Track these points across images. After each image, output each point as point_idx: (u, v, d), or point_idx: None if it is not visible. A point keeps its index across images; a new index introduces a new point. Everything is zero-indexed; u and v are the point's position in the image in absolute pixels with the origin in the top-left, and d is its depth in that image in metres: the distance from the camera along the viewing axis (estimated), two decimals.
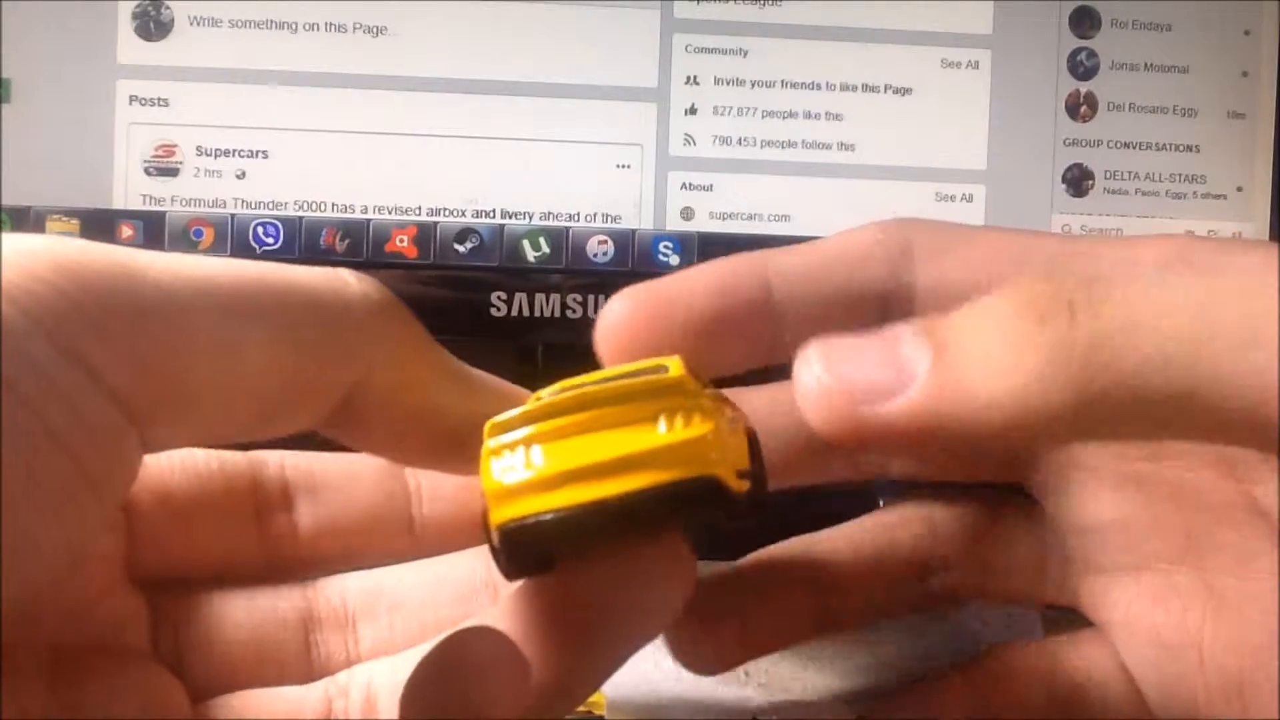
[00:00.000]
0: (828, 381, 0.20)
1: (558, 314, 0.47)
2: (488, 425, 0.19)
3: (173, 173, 0.46)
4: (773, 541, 0.29)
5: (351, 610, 0.23)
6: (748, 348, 0.24)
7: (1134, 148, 0.50)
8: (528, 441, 0.18)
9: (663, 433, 0.17)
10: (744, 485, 0.18)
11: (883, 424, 0.19)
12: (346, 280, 0.21)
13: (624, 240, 0.48)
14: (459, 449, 0.21)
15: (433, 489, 0.24)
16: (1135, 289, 0.18)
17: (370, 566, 0.24)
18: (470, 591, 0.24)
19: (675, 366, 0.19)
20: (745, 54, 0.48)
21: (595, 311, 0.48)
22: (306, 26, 0.46)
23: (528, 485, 0.17)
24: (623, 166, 0.48)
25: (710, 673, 0.28)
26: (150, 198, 0.46)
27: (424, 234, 0.47)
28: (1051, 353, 0.17)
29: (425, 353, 0.22)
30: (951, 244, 0.25)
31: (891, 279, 0.24)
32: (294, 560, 0.23)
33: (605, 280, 0.48)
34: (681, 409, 0.17)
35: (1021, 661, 0.27)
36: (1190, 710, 0.24)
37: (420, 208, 0.47)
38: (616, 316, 0.25)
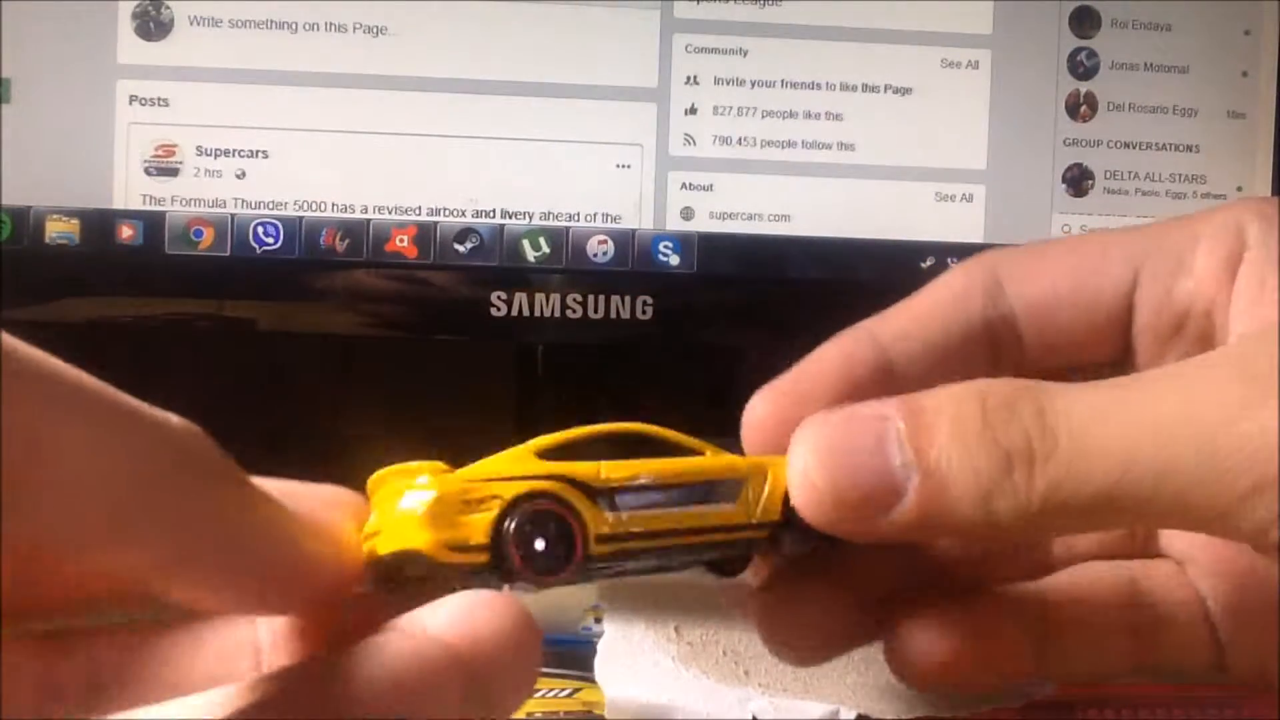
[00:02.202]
0: (822, 488, 0.22)
1: (558, 314, 0.47)
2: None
3: (173, 173, 0.46)
4: None
5: None
6: None
7: (1134, 148, 0.50)
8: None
9: (398, 510, 0.21)
10: (454, 557, 0.21)
11: (873, 533, 0.22)
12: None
13: (624, 240, 0.48)
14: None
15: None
16: (1085, 425, 0.21)
17: None
18: None
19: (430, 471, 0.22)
20: (745, 54, 0.48)
21: (595, 311, 0.48)
22: (306, 26, 0.46)
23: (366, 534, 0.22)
24: (623, 166, 0.48)
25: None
26: (150, 198, 0.46)
27: (424, 234, 0.47)
28: (1015, 499, 0.21)
29: None
30: (1033, 265, 0.26)
31: (991, 309, 0.26)
32: None
33: (605, 280, 0.48)
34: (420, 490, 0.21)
35: (1098, 578, 0.27)
36: (1260, 643, 0.25)
37: (420, 208, 0.47)
38: (757, 417, 0.26)
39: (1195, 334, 0.26)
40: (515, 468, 0.22)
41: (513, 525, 0.21)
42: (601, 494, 0.22)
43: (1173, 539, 0.27)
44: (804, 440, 0.23)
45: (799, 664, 0.29)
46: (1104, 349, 0.26)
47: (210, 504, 0.17)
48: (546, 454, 0.23)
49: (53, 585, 0.19)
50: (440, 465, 0.22)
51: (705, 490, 0.23)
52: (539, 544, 0.22)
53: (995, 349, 0.26)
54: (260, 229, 0.46)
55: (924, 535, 0.23)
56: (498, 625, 0.19)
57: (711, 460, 0.24)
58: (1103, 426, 0.21)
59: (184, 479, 0.17)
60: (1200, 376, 0.22)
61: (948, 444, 0.22)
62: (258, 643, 0.22)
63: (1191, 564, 0.27)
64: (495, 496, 0.21)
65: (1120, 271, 0.26)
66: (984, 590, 0.25)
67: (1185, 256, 0.26)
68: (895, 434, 0.22)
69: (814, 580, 0.26)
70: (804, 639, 0.26)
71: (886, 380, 0.26)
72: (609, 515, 0.22)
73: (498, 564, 0.21)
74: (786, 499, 0.24)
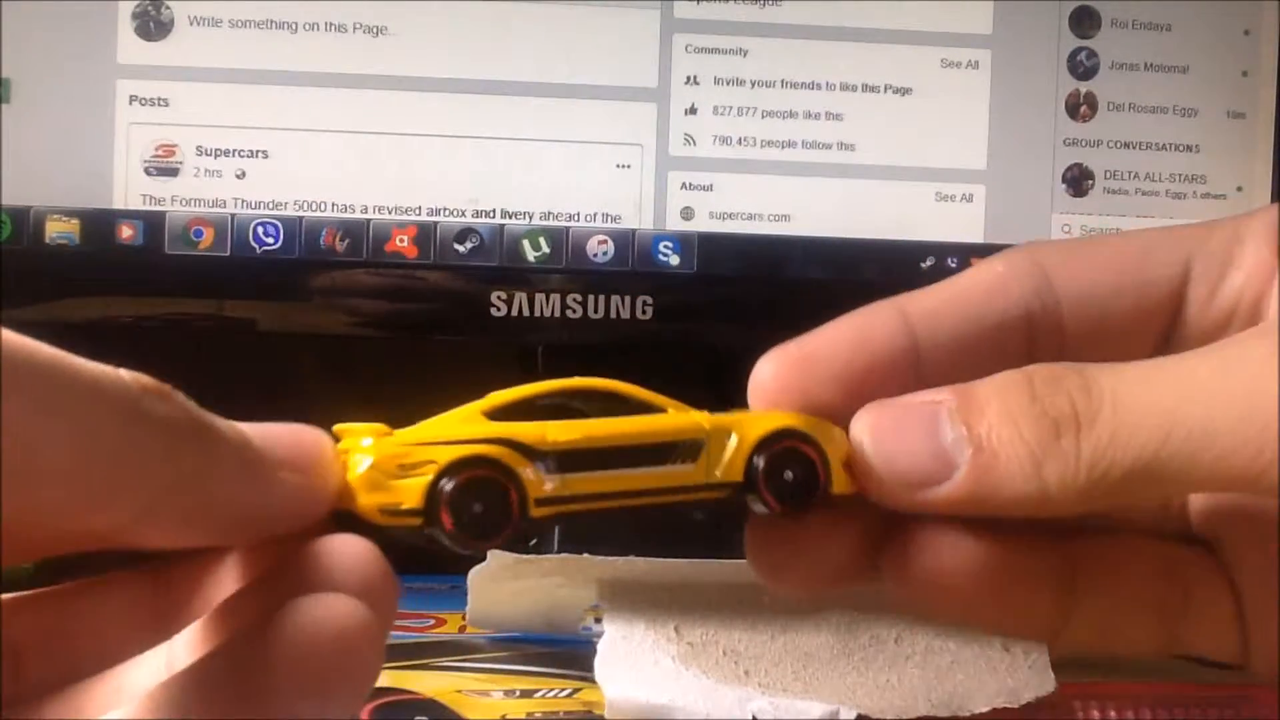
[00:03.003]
0: (879, 465, 0.23)
1: (558, 314, 0.47)
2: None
3: (173, 173, 0.46)
4: None
5: None
6: (894, 392, 0.25)
7: (1134, 148, 0.50)
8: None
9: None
10: (390, 520, 0.21)
11: (928, 505, 0.23)
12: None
13: (624, 240, 0.48)
14: None
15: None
16: (1127, 395, 0.22)
17: None
18: None
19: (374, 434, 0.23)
20: (745, 54, 0.48)
21: (595, 311, 0.48)
22: (306, 26, 0.46)
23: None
24: (623, 166, 0.48)
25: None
26: (150, 198, 0.46)
27: (424, 234, 0.47)
28: (1063, 467, 0.22)
29: None
30: (1081, 257, 0.27)
31: (1035, 299, 0.26)
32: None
33: (605, 280, 0.48)
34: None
35: (1131, 548, 0.27)
36: None
37: (420, 208, 0.47)
38: (763, 377, 0.25)
39: (1242, 327, 0.26)
40: (459, 429, 0.22)
41: (445, 491, 0.21)
42: (545, 456, 0.22)
43: (1207, 521, 0.27)
44: (859, 423, 0.24)
45: (790, 593, 0.28)
46: (1147, 345, 0.27)
47: (168, 457, 0.17)
48: (497, 413, 0.23)
49: (18, 551, 0.19)
50: (381, 427, 0.22)
51: (660, 450, 0.23)
52: (476, 508, 0.22)
53: (1032, 339, 0.26)
54: (260, 229, 0.46)
55: (975, 509, 0.23)
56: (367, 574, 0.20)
57: (669, 419, 0.23)
58: (1146, 393, 0.22)
59: (138, 435, 0.17)
60: (1237, 347, 0.23)
61: (997, 420, 0.22)
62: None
63: (1225, 548, 0.26)
64: (431, 461, 0.21)
65: (1168, 267, 0.26)
66: (1011, 531, 0.25)
67: (1233, 251, 0.26)
68: (947, 413, 0.23)
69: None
70: (797, 563, 0.25)
71: (908, 358, 0.25)
72: (551, 478, 0.22)
73: (431, 528, 0.21)
74: (750, 460, 0.23)
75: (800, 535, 0.25)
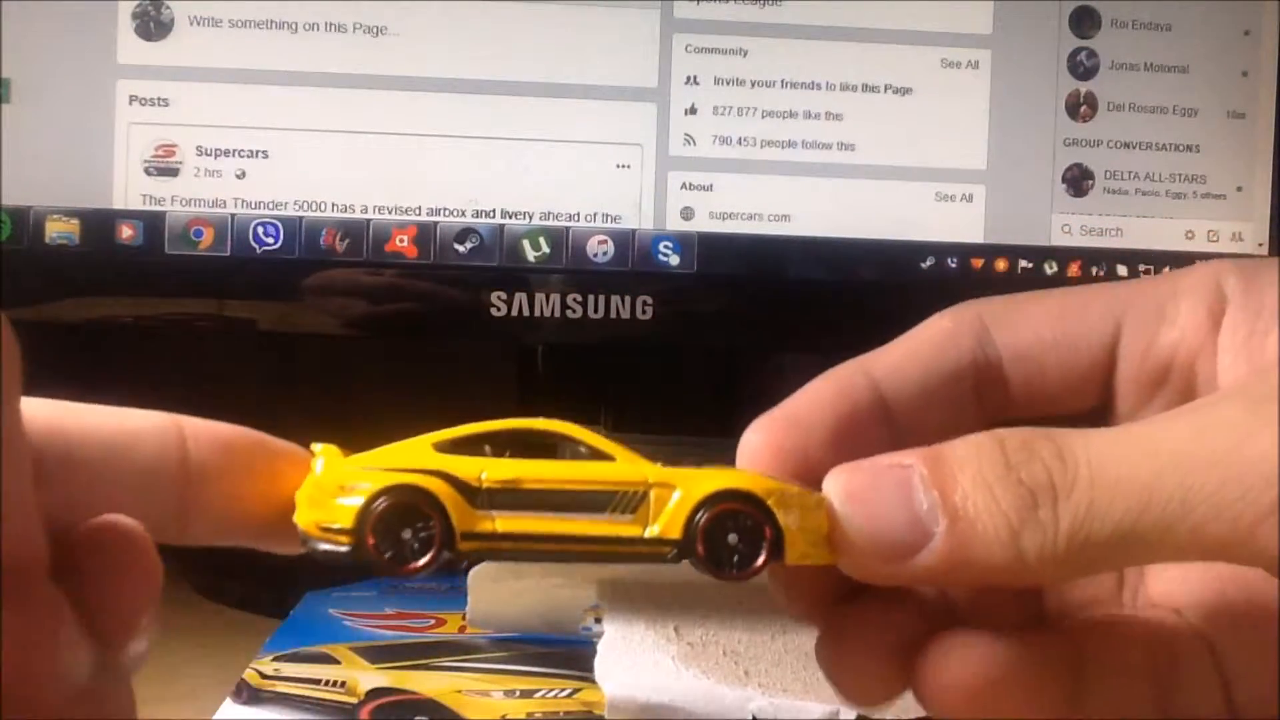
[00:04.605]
0: (853, 533, 0.23)
1: (558, 314, 0.47)
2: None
3: (173, 173, 0.46)
4: None
5: None
6: (871, 446, 0.25)
7: (1134, 148, 0.50)
8: None
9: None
10: (325, 537, 0.22)
11: (903, 576, 0.23)
12: None
13: (624, 240, 0.48)
14: None
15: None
16: (1102, 464, 0.22)
17: None
18: None
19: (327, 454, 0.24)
20: (745, 54, 0.48)
21: (595, 311, 0.48)
22: (306, 26, 0.46)
23: None
24: (623, 166, 0.48)
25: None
26: (150, 198, 0.46)
27: (424, 234, 0.47)
28: (1042, 537, 0.22)
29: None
30: (1019, 311, 0.28)
31: (978, 350, 0.27)
32: None
33: (605, 280, 0.48)
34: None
35: (1116, 623, 0.27)
36: (1267, 678, 0.25)
37: (420, 208, 0.47)
38: (752, 448, 0.26)
39: (1179, 384, 0.27)
40: (404, 459, 0.23)
41: (374, 515, 0.22)
42: (478, 493, 0.23)
43: (1166, 588, 0.27)
44: (830, 489, 0.23)
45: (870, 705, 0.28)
46: (1086, 398, 0.27)
47: None
48: (446, 446, 0.23)
49: None
50: (334, 449, 0.23)
51: (598, 499, 0.23)
52: (404, 534, 0.22)
53: (981, 393, 0.27)
54: (260, 229, 0.46)
55: (950, 580, 0.24)
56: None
57: (612, 469, 0.23)
58: (1121, 461, 0.22)
59: None
60: (1210, 410, 0.22)
61: (971, 488, 0.22)
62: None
63: (1191, 610, 0.27)
64: (367, 485, 0.23)
65: (1103, 322, 0.27)
66: (1012, 628, 0.25)
67: (1167, 308, 0.27)
68: (919, 479, 0.23)
69: (857, 619, 0.26)
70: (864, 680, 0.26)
71: (881, 415, 0.26)
72: (481, 515, 0.23)
73: (357, 549, 0.22)
74: (690, 520, 0.23)
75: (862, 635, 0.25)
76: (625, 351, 0.51)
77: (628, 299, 0.48)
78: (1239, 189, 0.50)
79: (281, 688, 0.35)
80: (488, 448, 0.24)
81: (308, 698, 0.34)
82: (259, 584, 0.47)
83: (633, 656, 0.33)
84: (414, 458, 0.23)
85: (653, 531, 0.23)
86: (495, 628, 0.39)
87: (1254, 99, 0.50)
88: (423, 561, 0.22)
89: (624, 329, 0.48)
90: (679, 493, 0.23)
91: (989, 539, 0.22)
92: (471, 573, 0.38)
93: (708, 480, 0.23)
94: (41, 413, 0.21)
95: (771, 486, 0.23)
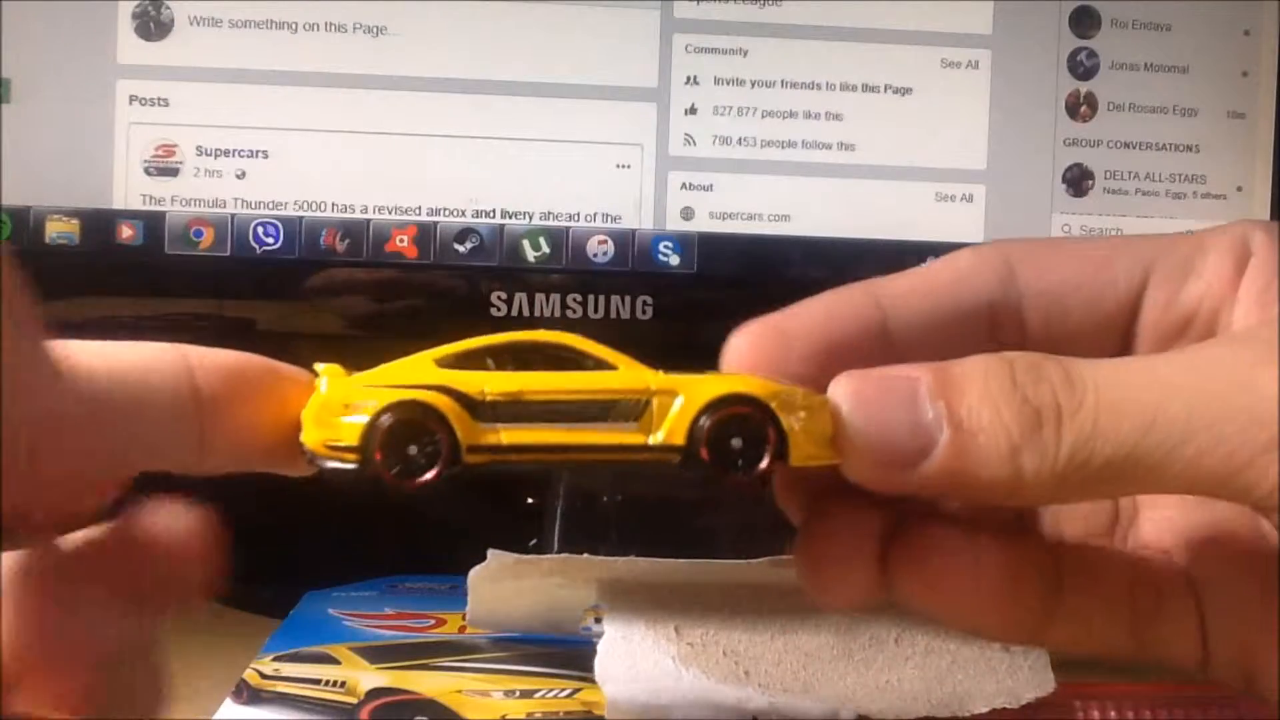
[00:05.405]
0: (858, 434, 0.23)
1: (558, 314, 0.47)
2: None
3: (173, 173, 0.46)
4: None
5: None
6: (864, 368, 0.25)
7: (1134, 147, 0.50)
8: None
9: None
10: (332, 455, 0.23)
11: (902, 482, 0.23)
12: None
13: (624, 240, 0.48)
14: None
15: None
16: (1109, 386, 0.22)
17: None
18: None
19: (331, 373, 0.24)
20: (745, 54, 0.48)
21: (595, 311, 0.48)
22: (306, 26, 0.46)
23: None
24: (623, 166, 0.48)
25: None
26: (150, 198, 0.46)
27: (424, 234, 0.47)
28: (1042, 453, 0.22)
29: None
30: (1046, 254, 0.28)
31: (999, 290, 0.27)
32: None
33: (605, 280, 0.48)
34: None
35: (1104, 549, 0.27)
36: (1246, 641, 0.25)
37: (420, 208, 0.47)
38: (736, 352, 0.26)
39: (1198, 335, 0.27)
40: (407, 375, 0.23)
41: (380, 431, 0.22)
42: (482, 407, 0.23)
43: (1157, 530, 0.27)
44: (837, 392, 0.23)
45: (842, 607, 0.28)
46: (1105, 344, 0.27)
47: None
48: (448, 361, 0.24)
49: None
50: (337, 368, 0.24)
51: (601, 408, 0.23)
52: (410, 449, 0.23)
53: (994, 329, 0.27)
54: (260, 229, 0.46)
55: (949, 491, 0.23)
56: None
57: (614, 378, 0.23)
58: (1127, 388, 0.22)
59: None
60: (1216, 348, 0.23)
61: (977, 402, 0.23)
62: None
63: (1178, 552, 0.27)
64: (372, 402, 0.23)
65: (1131, 271, 0.27)
66: (997, 530, 0.25)
67: (1195, 261, 0.27)
68: (925, 390, 0.23)
69: (833, 517, 0.26)
70: (846, 573, 0.25)
71: (878, 340, 0.26)
72: (486, 428, 0.23)
73: (366, 465, 0.22)
74: (695, 424, 0.23)
75: (839, 540, 0.25)
76: (625, 352, 0.51)
77: (628, 299, 0.48)
78: (1239, 189, 0.51)
79: (281, 688, 0.35)
80: (490, 361, 0.24)
81: (308, 698, 0.34)
82: (259, 584, 0.47)
83: (633, 657, 0.33)
84: (417, 374, 0.23)
85: (657, 439, 0.23)
86: (495, 628, 0.39)
87: (1254, 99, 0.50)
88: (429, 475, 0.22)
89: (624, 329, 0.48)
90: (681, 399, 0.23)
91: (989, 453, 0.22)
92: (472, 573, 0.38)
93: (710, 385, 0.23)
94: (60, 354, 0.22)
95: (774, 389, 0.23)
